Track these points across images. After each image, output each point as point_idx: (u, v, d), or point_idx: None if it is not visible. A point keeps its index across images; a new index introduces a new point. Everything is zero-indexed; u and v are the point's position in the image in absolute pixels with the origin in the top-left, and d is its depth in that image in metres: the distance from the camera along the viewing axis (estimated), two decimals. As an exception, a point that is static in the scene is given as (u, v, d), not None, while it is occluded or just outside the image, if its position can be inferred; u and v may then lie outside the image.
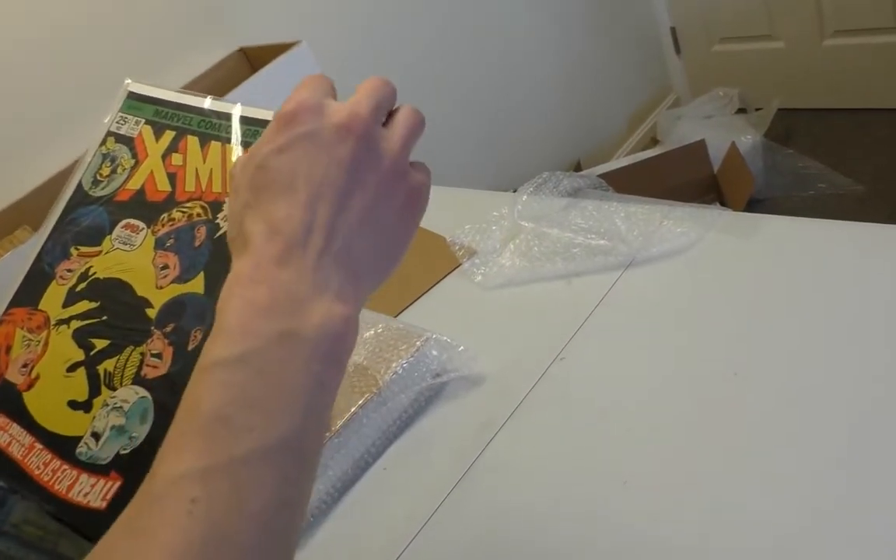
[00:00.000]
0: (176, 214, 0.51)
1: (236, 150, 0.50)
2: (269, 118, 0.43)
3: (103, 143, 0.56)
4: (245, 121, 0.50)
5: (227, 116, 0.51)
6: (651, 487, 0.59)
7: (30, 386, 0.50)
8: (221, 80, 1.55)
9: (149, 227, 0.51)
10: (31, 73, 1.41)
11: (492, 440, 0.70)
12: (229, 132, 0.51)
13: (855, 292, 0.67)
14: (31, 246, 0.55)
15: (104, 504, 0.44)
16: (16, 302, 0.53)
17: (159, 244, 0.50)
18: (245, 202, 0.37)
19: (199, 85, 1.52)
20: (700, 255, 0.79)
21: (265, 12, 1.70)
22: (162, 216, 0.51)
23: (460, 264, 0.95)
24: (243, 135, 0.50)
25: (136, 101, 0.57)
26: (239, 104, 0.51)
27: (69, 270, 0.52)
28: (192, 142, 0.52)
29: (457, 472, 0.68)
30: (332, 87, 0.40)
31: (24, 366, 0.50)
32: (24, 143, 1.40)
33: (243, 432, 0.31)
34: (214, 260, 0.48)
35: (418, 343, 0.77)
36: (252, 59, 1.60)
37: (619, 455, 0.63)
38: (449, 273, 0.95)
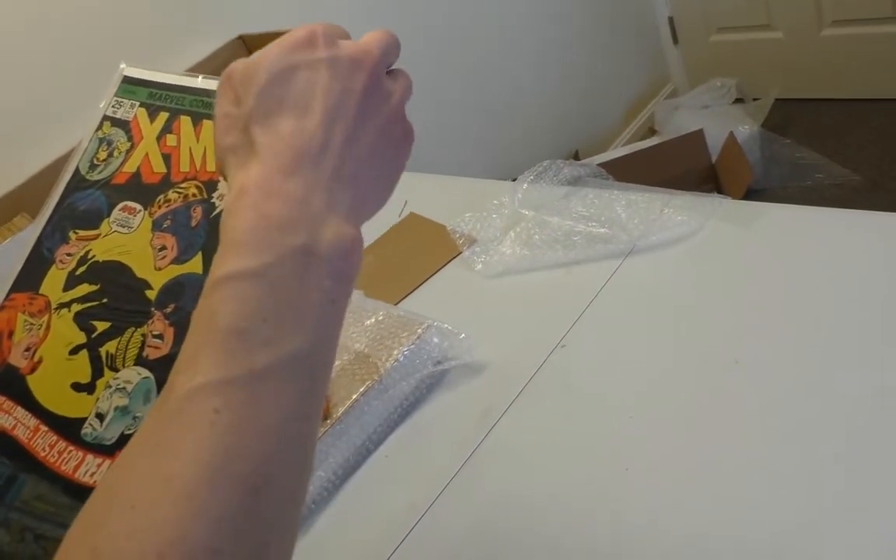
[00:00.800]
0: (172, 195, 0.51)
1: None
2: None
3: (99, 127, 0.56)
4: None
5: None
6: (652, 474, 0.59)
7: (33, 369, 0.50)
8: (220, 67, 1.53)
9: (146, 208, 0.51)
10: (29, 60, 1.40)
11: (493, 428, 0.70)
12: None
13: (854, 280, 0.67)
14: (30, 232, 0.55)
15: None
16: (16, 287, 0.53)
17: (156, 225, 0.50)
18: (250, 113, 0.37)
19: (198, 72, 1.51)
20: (701, 244, 0.79)
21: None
22: (158, 198, 0.51)
23: (461, 252, 0.95)
24: None
25: (130, 85, 0.57)
26: None
27: (69, 254, 0.52)
28: (185, 122, 0.53)
29: (458, 459, 0.68)
30: (346, 34, 0.41)
31: (27, 350, 0.50)
32: (23, 131, 1.39)
33: (260, 346, 0.32)
34: (211, 239, 0.48)
35: (419, 331, 0.77)
36: (251, 47, 1.60)
37: (619, 442, 0.63)
38: (449, 261, 0.95)
